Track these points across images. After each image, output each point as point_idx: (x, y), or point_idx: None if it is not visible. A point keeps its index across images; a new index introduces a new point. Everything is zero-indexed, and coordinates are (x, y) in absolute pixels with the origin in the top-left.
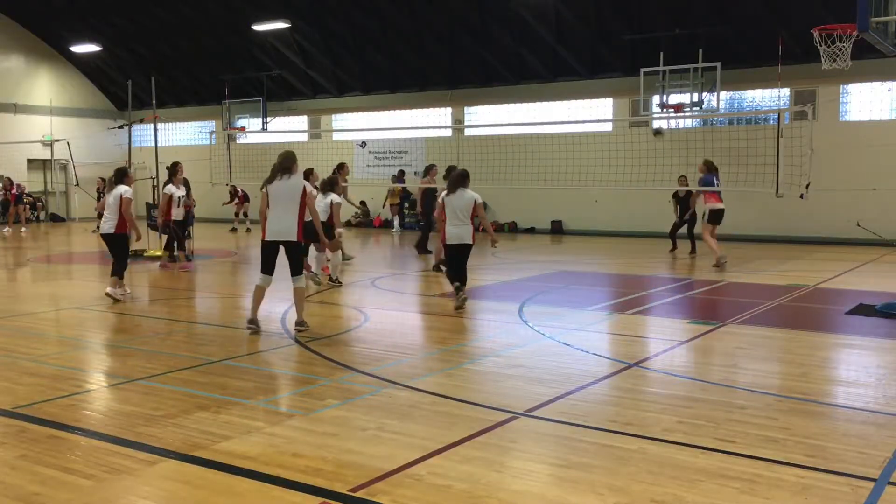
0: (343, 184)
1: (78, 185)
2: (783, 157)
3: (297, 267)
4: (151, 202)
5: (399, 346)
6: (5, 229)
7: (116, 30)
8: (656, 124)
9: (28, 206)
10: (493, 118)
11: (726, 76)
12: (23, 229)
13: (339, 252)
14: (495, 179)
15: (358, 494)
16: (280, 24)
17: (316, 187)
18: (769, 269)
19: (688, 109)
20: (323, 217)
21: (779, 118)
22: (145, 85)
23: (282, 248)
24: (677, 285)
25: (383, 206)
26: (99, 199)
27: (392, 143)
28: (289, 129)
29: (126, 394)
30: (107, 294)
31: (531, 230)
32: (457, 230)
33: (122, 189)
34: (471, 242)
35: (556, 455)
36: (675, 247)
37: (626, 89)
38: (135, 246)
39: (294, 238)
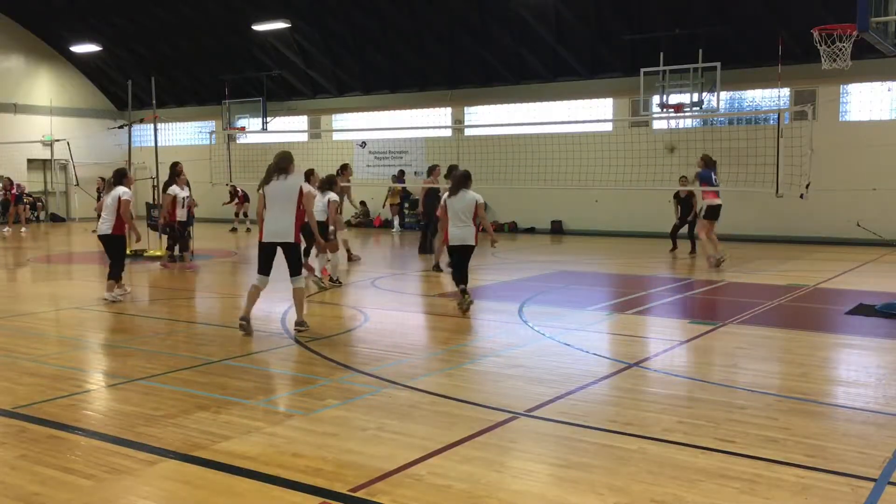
0: (346, 184)
1: (78, 185)
2: (783, 157)
3: (296, 268)
4: (151, 202)
5: (399, 346)
6: (5, 229)
7: (116, 30)
8: (670, 142)
9: (28, 206)
10: (493, 118)
11: (726, 76)
12: (23, 229)
13: (339, 252)
14: (495, 179)
15: (358, 494)
16: (280, 24)
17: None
18: (769, 269)
19: (688, 109)
20: (322, 217)
21: (779, 118)
22: (145, 85)
23: (280, 250)
24: (677, 285)
25: (383, 206)
26: (98, 200)
27: (392, 143)
28: (289, 129)
29: (126, 394)
30: (104, 300)
31: (531, 230)
32: (459, 231)
33: (121, 191)
34: (473, 244)
35: (556, 455)
36: (675, 247)
37: (626, 89)
38: (135, 246)
39: (291, 239)
